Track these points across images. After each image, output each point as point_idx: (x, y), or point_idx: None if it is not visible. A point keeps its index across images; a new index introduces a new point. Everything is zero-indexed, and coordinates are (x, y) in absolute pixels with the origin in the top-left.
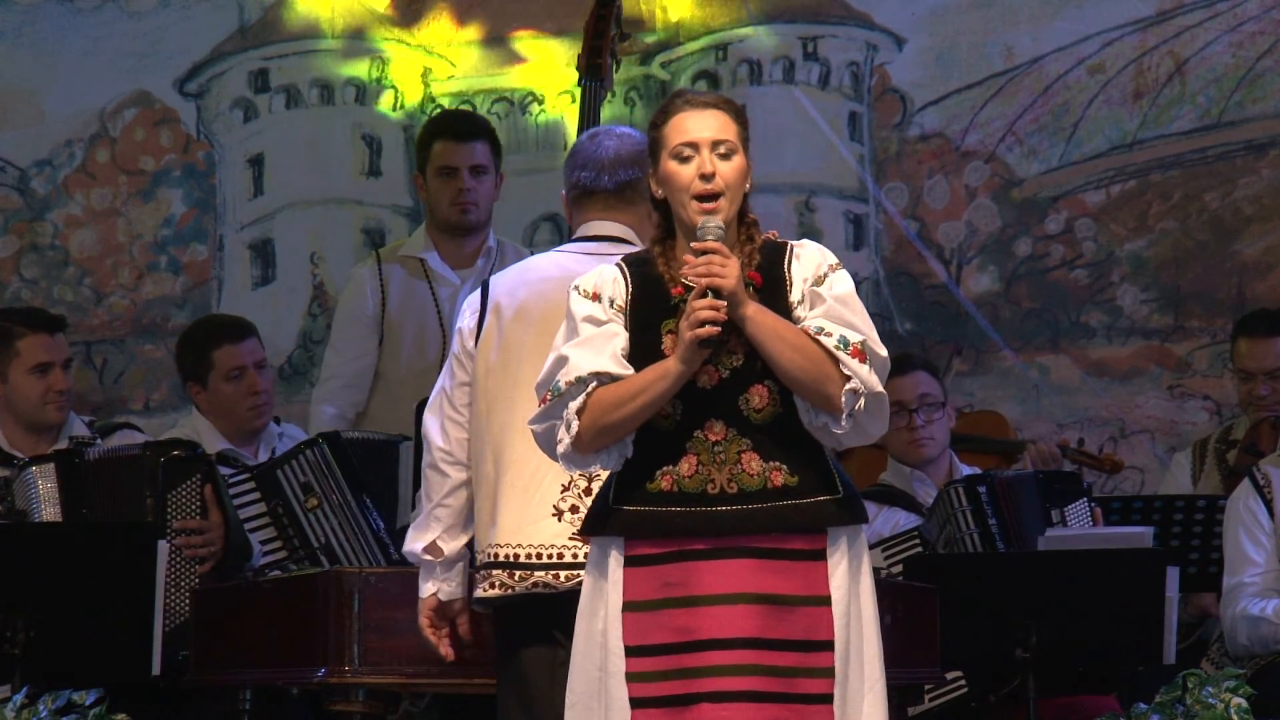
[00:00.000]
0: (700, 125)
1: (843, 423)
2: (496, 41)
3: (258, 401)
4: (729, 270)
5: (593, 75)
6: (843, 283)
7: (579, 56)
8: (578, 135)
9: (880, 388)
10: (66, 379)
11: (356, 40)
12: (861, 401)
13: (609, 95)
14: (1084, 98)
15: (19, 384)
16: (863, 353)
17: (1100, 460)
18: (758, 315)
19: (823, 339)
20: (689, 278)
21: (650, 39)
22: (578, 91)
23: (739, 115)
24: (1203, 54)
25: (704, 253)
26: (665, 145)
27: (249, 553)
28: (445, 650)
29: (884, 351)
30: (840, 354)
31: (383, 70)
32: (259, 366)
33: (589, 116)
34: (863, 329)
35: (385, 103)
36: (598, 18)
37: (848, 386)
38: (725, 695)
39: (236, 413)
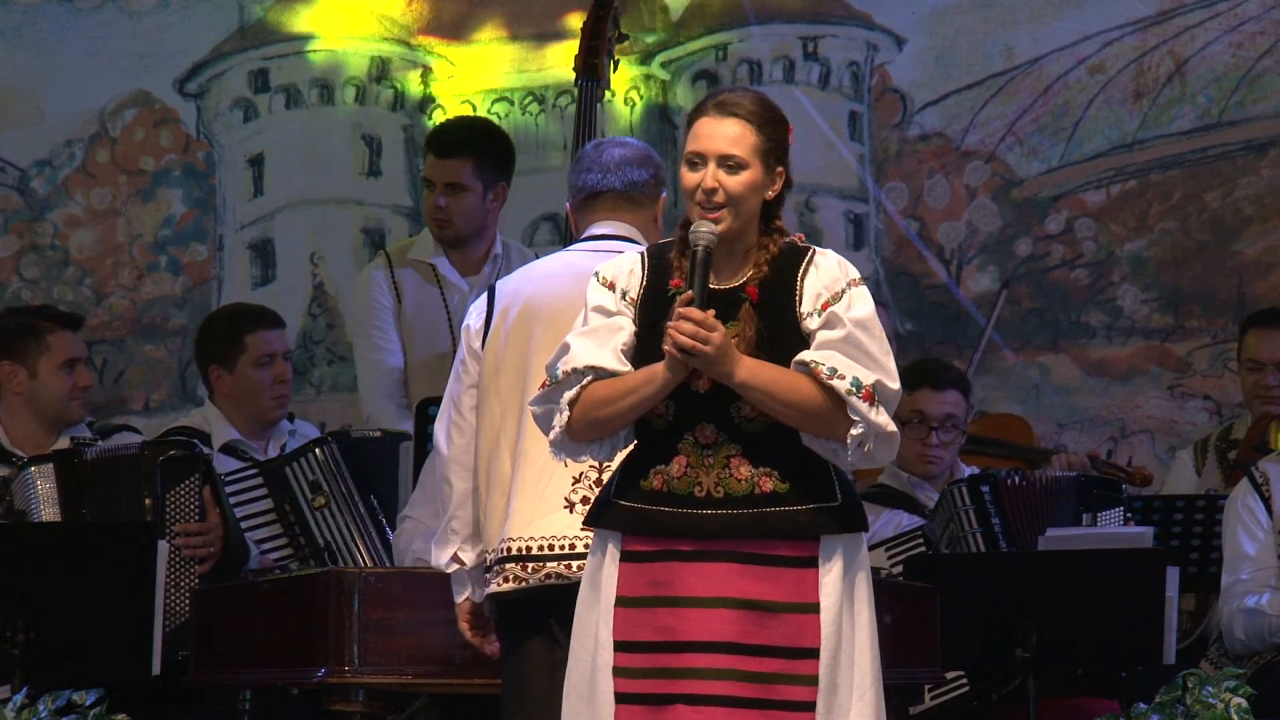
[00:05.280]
0: (712, 137)
1: (848, 458)
2: (497, 41)
3: (282, 391)
4: (712, 339)
5: (590, 75)
6: (863, 303)
7: (576, 57)
8: (575, 135)
9: (891, 427)
10: (89, 376)
11: (356, 40)
12: (869, 444)
13: (608, 95)
14: (1084, 98)
15: (48, 379)
16: (874, 394)
17: (1130, 474)
18: (750, 380)
19: (835, 382)
20: (671, 333)
21: (650, 39)
22: (576, 92)
23: (765, 125)
24: (1203, 54)
25: (688, 303)
26: (685, 146)
27: (246, 555)
28: (490, 649)
29: (896, 384)
30: (851, 399)
31: (383, 70)
32: (286, 357)
33: (586, 117)
34: (879, 359)
35: (385, 103)
36: (595, 18)
37: (854, 432)
38: (702, 699)
39: (259, 401)
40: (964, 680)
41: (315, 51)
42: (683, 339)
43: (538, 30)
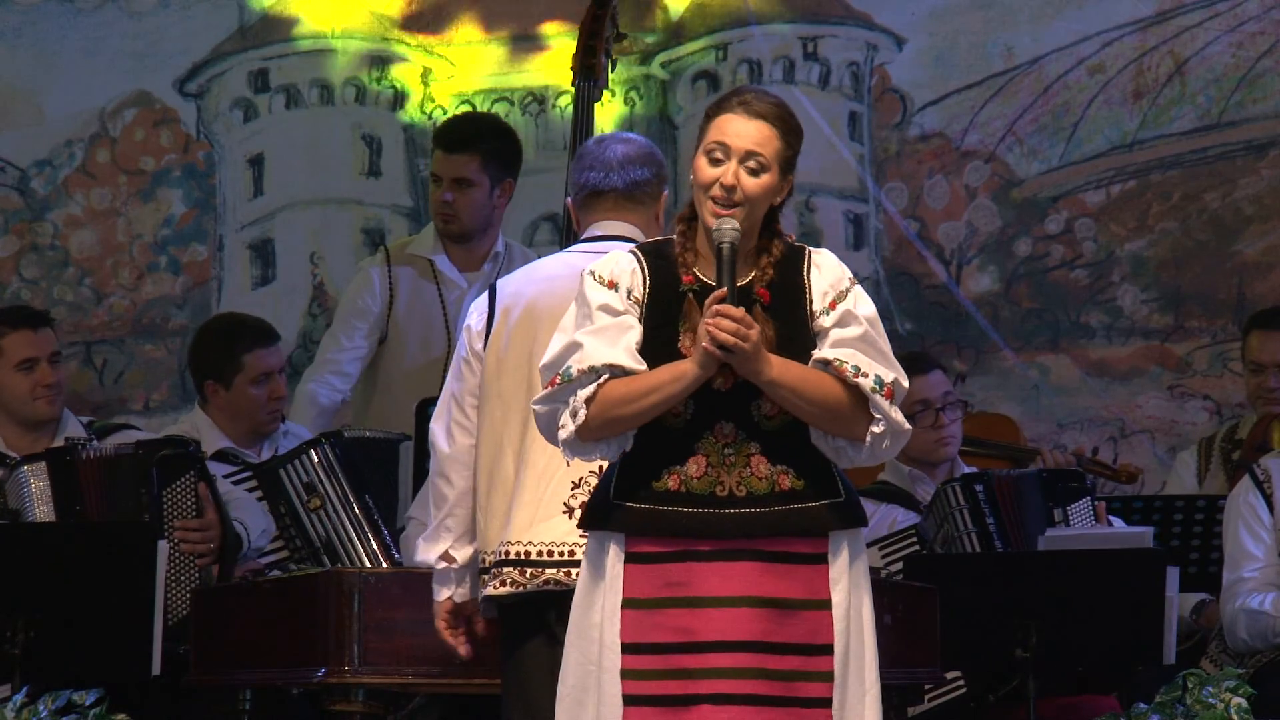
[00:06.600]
0: (739, 133)
1: (862, 456)
2: (497, 42)
3: (279, 407)
4: (750, 336)
5: (586, 75)
6: (866, 302)
7: (573, 56)
8: (572, 134)
9: (906, 425)
10: (55, 373)
11: (356, 40)
12: (887, 441)
13: (607, 95)
14: (1084, 98)
15: (7, 382)
16: (893, 392)
17: (1116, 471)
18: (780, 378)
19: (860, 380)
20: (710, 331)
21: (650, 39)
22: (574, 91)
23: (789, 132)
24: (1203, 54)
25: (721, 300)
26: (704, 137)
27: (240, 543)
28: (464, 650)
29: (907, 382)
30: (875, 396)
31: (383, 70)
32: (281, 372)
33: (582, 116)
34: (890, 357)
35: (385, 103)
36: (593, 18)
37: (874, 429)
38: (726, 698)
39: (255, 416)
40: (960, 681)
41: (315, 52)
42: (724, 336)
43: (538, 30)
